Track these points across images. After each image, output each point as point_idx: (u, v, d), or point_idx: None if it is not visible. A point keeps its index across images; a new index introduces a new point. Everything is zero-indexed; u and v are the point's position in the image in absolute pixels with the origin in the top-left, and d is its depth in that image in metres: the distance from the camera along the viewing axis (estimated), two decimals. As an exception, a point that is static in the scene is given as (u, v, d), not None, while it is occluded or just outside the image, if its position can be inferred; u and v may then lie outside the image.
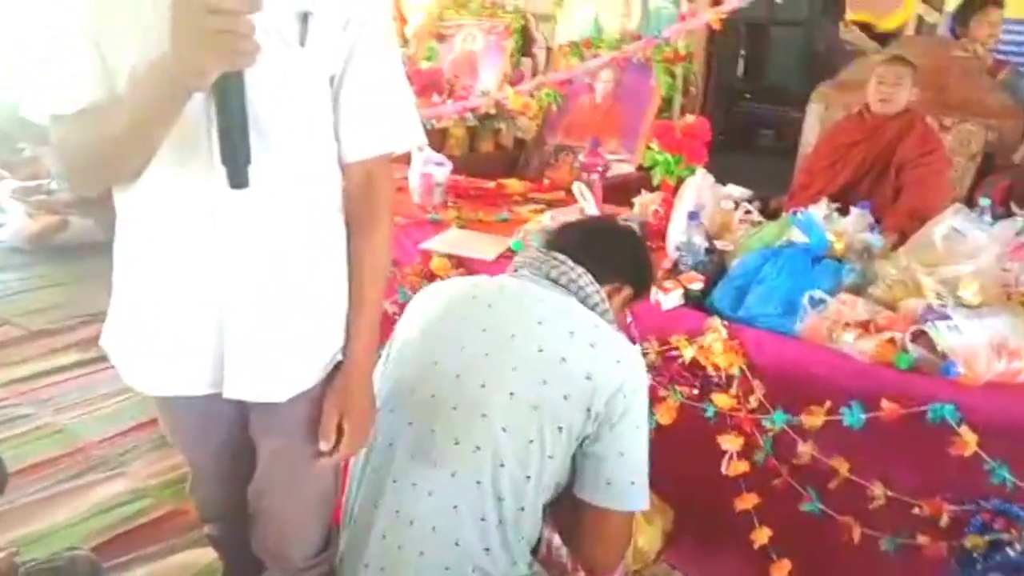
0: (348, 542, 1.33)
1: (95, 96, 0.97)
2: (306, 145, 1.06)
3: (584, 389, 1.23)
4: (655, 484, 1.91)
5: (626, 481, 1.28)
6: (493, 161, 4.23)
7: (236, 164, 0.92)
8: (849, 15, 4.00)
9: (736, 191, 2.80)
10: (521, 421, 1.22)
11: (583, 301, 1.35)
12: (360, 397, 1.17)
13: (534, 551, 1.70)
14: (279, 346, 1.09)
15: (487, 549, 1.22)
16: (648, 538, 1.87)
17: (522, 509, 1.24)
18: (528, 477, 1.23)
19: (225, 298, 1.05)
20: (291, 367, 1.12)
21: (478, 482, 1.22)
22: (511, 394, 1.23)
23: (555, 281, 1.36)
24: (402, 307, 1.56)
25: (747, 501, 1.75)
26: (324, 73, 1.05)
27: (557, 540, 1.72)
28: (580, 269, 1.37)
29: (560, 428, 1.24)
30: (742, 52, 7.70)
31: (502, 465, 1.22)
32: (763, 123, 7.61)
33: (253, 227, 1.04)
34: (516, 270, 1.42)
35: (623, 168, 4.08)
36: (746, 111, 7.77)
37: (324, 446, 1.15)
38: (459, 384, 1.26)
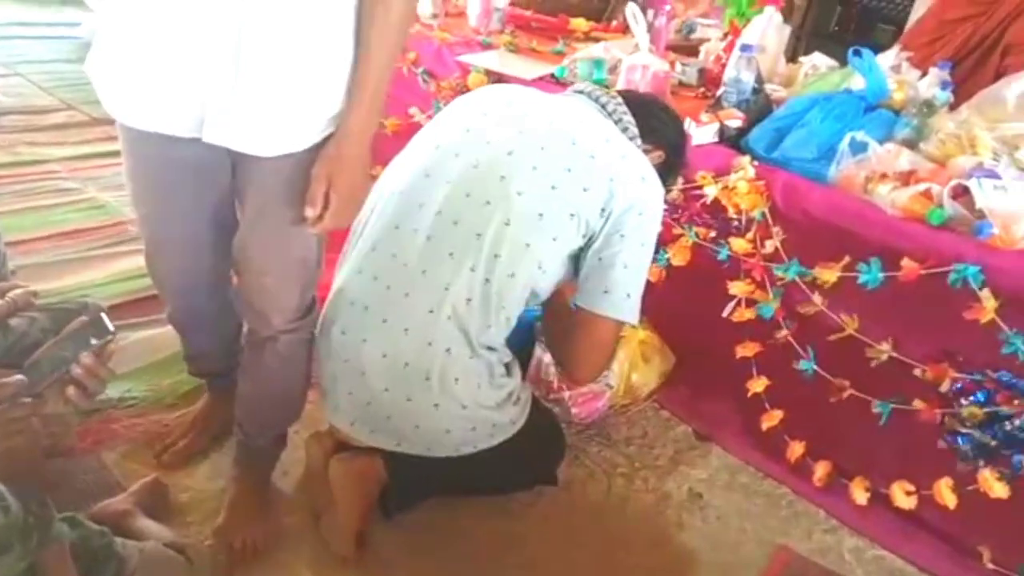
0: (338, 288, 1.35)
1: None
2: None
3: (605, 188, 1.27)
4: (659, 325, 1.91)
5: (623, 292, 1.30)
6: (574, 9, 4.01)
7: None
8: None
9: (820, 60, 2.58)
10: (537, 192, 1.26)
11: (623, 132, 1.40)
12: (351, 168, 1.12)
13: (523, 367, 1.71)
14: (269, 97, 1.05)
15: (469, 299, 1.24)
16: (643, 375, 1.84)
17: (512, 275, 1.25)
18: (528, 245, 1.25)
19: (221, 39, 1.00)
20: (279, 122, 1.08)
21: (478, 234, 1.24)
22: (534, 167, 1.27)
23: (603, 106, 1.41)
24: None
25: (748, 349, 1.70)
26: None
27: (547, 359, 1.73)
28: (627, 110, 1.42)
29: (572, 215, 1.26)
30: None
31: (507, 224, 1.24)
32: (885, 17, 6.98)
33: None
34: (571, 92, 1.47)
35: (710, 33, 3.82)
36: (869, 2, 7.14)
37: (309, 212, 1.12)
38: (488, 147, 1.30)
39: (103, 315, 0.95)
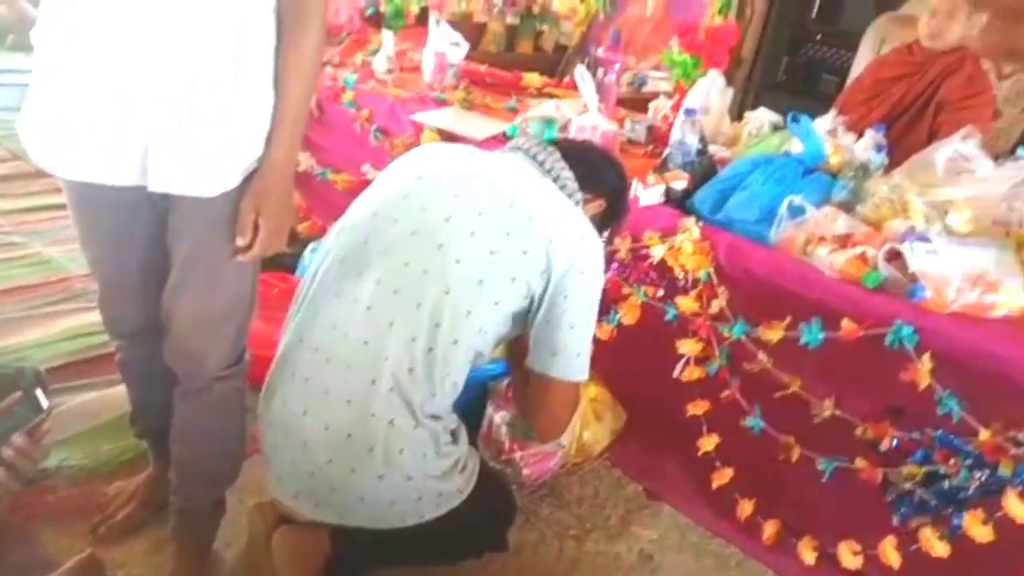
0: (280, 354, 1.35)
1: None
2: None
3: (544, 250, 1.26)
4: (611, 382, 1.92)
5: (572, 353, 1.31)
6: (529, 63, 4.09)
7: None
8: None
9: (764, 115, 2.67)
10: (476, 259, 1.25)
11: (561, 189, 1.39)
12: (277, 198, 1.19)
13: (475, 427, 1.71)
14: (206, 141, 1.12)
15: (411, 369, 1.23)
16: (594, 433, 1.85)
17: (455, 342, 1.24)
18: (469, 312, 1.24)
19: (156, 87, 1.06)
20: (217, 162, 1.14)
21: (419, 304, 1.23)
22: (472, 233, 1.26)
23: (540, 163, 1.40)
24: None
25: (698, 407, 1.72)
26: None
27: (498, 419, 1.72)
28: (565, 164, 1.41)
29: (513, 279, 1.26)
30: (820, -9, 7.28)
31: (447, 292, 1.23)
32: (830, 69, 7.24)
33: (187, 18, 1.04)
34: (509, 150, 1.47)
35: (661, 86, 3.92)
36: (814, 54, 7.40)
37: (240, 241, 1.18)
38: (423, 214, 1.29)
39: (38, 391, 0.93)
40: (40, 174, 3.00)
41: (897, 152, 2.56)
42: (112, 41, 1.04)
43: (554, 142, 1.49)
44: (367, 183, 1.52)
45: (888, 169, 2.08)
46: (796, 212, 1.60)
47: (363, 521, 1.28)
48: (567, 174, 1.40)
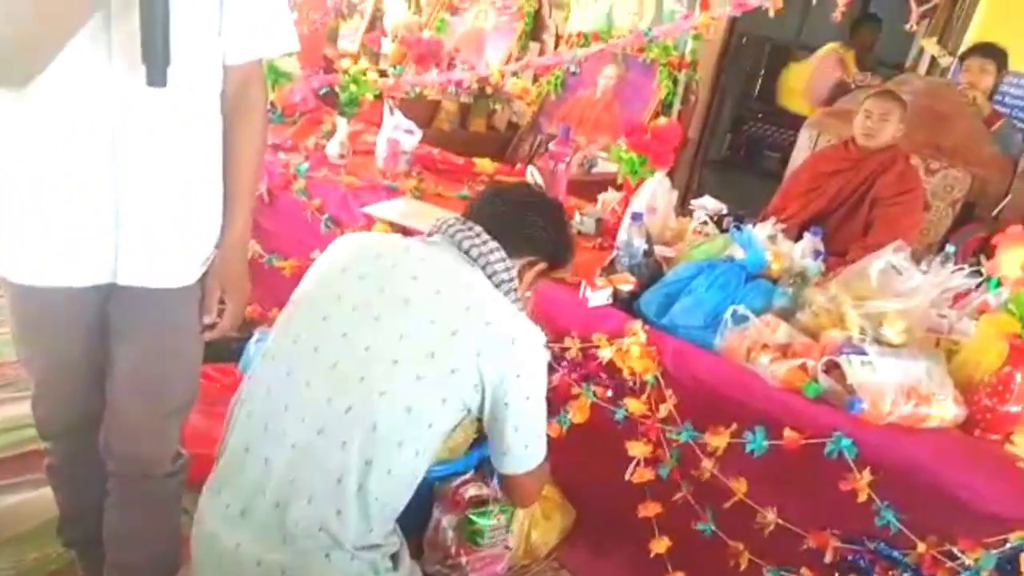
0: (211, 481, 1.28)
1: None
2: (199, 48, 1.14)
3: (473, 365, 1.21)
4: (560, 480, 1.92)
5: (520, 447, 1.30)
6: (482, 141, 4.18)
7: (157, 64, 1.01)
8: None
9: (710, 204, 2.76)
10: (401, 388, 1.19)
11: (490, 277, 1.32)
12: (239, 274, 1.31)
13: (420, 529, 1.67)
14: (172, 234, 1.19)
15: (339, 512, 1.18)
16: (543, 533, 1.84)
17: (389, 472, 1.20)
18: (400, 443, 1.19)
19: (120, 191, 1.12)
20: (183, 254, 1.23)
21: (344, 443, 1.18)
22: (395, 362, 1.20)
23: (466, 252, 1.33)
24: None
25: (649, 509, 1.73)
26: None
27: (444, 522, 1.70)
28: (493, 244, 1.33)
29: (444, 400, 1.21)
30: (761, 72, 7.63)
31: (374, 429, 1.18)
32: (771, 145, 7.55)
33: (150, 124, 1.11)
34: (430, 235, 1.39)
35: (610, 167, 4.03)
36: (755, 132, 7.71)
37: (207, 320, 1.28)
38: (345, 343, 1.23)
39: None
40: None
41: (834, 242, 2.69)
42: (76, 148, 1.08)
43: (478, 203, 1.41)
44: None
45: (827, 260, 2.18)
46: (739, 320, 1.65)
47: None
48: (495, 256, 1.32)
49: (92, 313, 1.22)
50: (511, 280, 1.35)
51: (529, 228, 1.40)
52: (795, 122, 6.84)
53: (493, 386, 1.23)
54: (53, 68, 1.01)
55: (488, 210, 1.39)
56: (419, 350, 1.21)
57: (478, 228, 1.35)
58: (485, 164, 2.89)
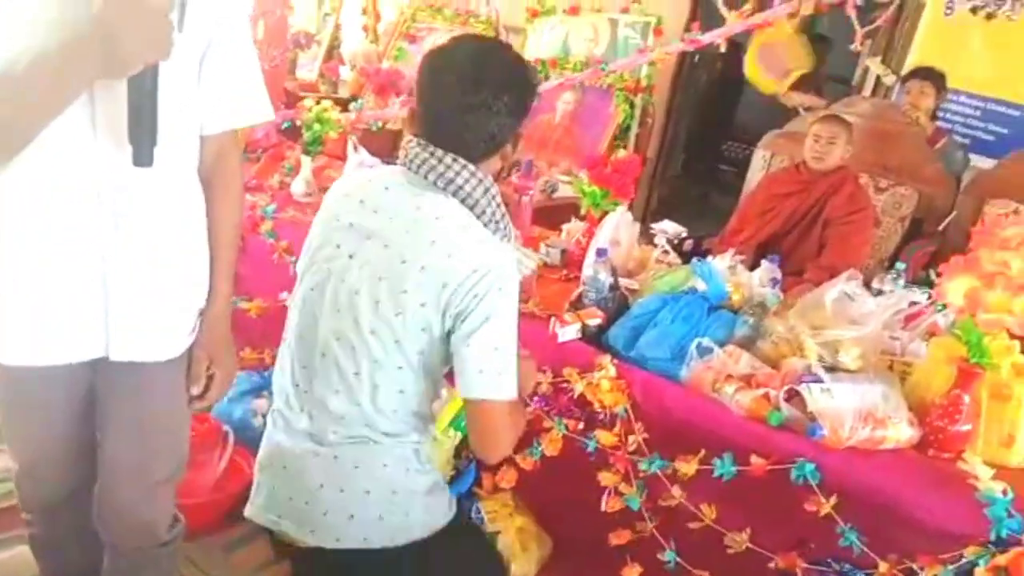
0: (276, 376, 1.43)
1: None
2: (179, 122, 1.15)
3: (440, 297, 1.28)
4: (536, 511, 1.96)
5: (495, 371, 1.31)
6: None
7: (143, 145, 1.01)
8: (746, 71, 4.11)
9: (670, 227, 2.84)
10: (385, 326, 1.30)
11: (463, 201, 1.32)
12: (226, 344, 1.33)
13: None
14: (161, 307, 1.21)
15: (367, 424, 1.35)
16: (521, 565, 1.88)
17: (402, 392, 1.34)
18: (400, 367, 1.32)
19: (108, 266, 1.12)
20: (172, 327, 1.24)
21: (356, 373, 1.32)
22: (376, 303, 1.30)
23: (433, 183, 1.31)
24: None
25: (621, 537, 1.78)
26: (196, 55, 1.15)
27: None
28: (457, 166, 1.30)
29: (423, 329, 1.31)
30: (715, 90, 7.82)
31: (376, 361, 1.31)
32: (726, 160, 7.74)
33: (135, 199, 1.12)
34: (404, 166, 1.36)
35: (572, 192, 4.10)
36: (711, 147, 7.90)
37: (195, 390, 1.29)
38: (343, 287, 1.33)
39: None
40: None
41: (791, 262, 2.80)
42: (62, 222, 1.09)
43: (428, 119, 1.32)
44: (284, 309, 1.57)
45: (785, 280, 2.26)
46: (704, 352, 1.71)
47: (356, 541, 1.35)
48: (462, 178, 1.30)
49: (81, 390, 1.23)
50: (486, 193, 1.33)
51: (485, 124, 1.29)
52: (749, 137, 7.03)
53: (458, 312, 1.28)
54: (36, 144, 1.01)
55: (439, 127, 1.32)
56: (395, 288, 1.29)
57: (439, 152, 1.31)
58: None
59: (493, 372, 1.31)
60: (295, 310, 1.41)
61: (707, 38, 2.62)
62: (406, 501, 1.36)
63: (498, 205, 1.37)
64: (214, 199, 1.26)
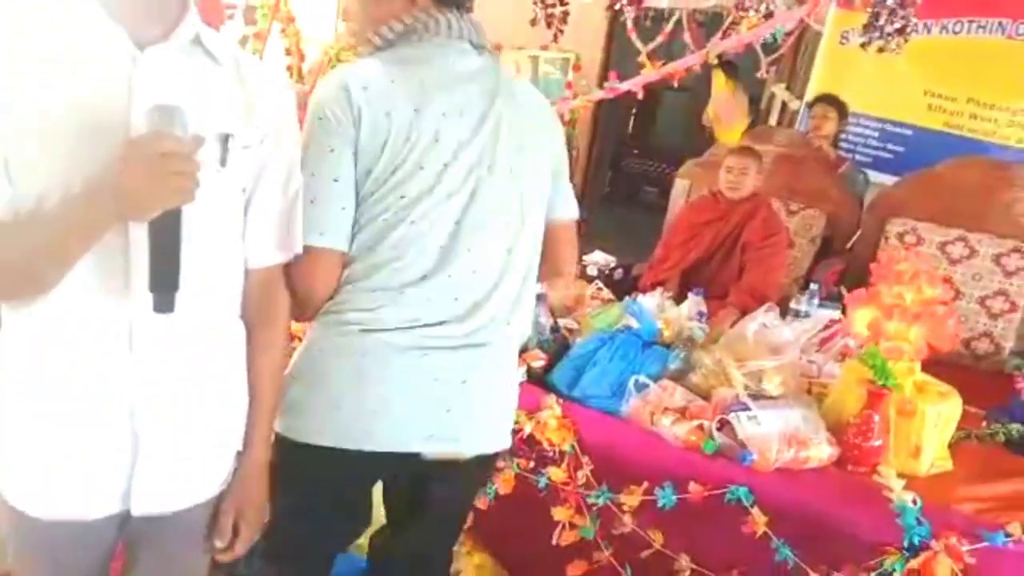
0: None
1: (4, 216, 0.94)
2: (219, 258, 1.08)
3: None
4: (493, 549, 2.05)
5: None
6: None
7: (164, 290, 0.94)
8: (708, 109, 4.34)
9: (600, 258, 2.98)
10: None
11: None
12: (257, 495, 1.20)
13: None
14: (191, 457, 1.11)
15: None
16: (481, 602, 1.96)
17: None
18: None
19: (138, 414, 1.04)
20: (201, 475, 1.14)
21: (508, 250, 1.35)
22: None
23: (481, 47, 1.35)
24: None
25: (577, 568, 1.88)
26: (239, 188, 1.07)
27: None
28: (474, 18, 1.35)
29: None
30: (633, 111, 8.11)
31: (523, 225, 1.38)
32: (648, 180, 8.03)
33: (167, 342, 1.04)
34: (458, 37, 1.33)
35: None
36: (633, 167, 8.19)
37: (219, 544, 1.17)
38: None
39: None
40: None
41: (715, 287, 2.97)
42: (90, 366, 1.01)
43: None
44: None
45: (710, 304, 2.43)
46: (641, 387, 1.84)
47: (489, 441, 1.44)
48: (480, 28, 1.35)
49: (104, 542, 1.14)
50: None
51: None
52: (669, 156, 7.31)
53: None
54: (66, 286, 0.96)
55: None
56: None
57: (466, 15, 1.34)
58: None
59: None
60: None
61: (625, 86, 2.78)
62: (514, 398, 1.51)
63: None
64: (255, 338, 1.16)
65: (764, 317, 1.95)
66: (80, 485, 1.05)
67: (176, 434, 1.08)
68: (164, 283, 0.94)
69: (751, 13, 3.49)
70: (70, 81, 0.94)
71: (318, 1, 5.46)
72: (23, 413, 1.04)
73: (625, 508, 1.78)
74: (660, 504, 1.73)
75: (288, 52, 5.69)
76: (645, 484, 1.77)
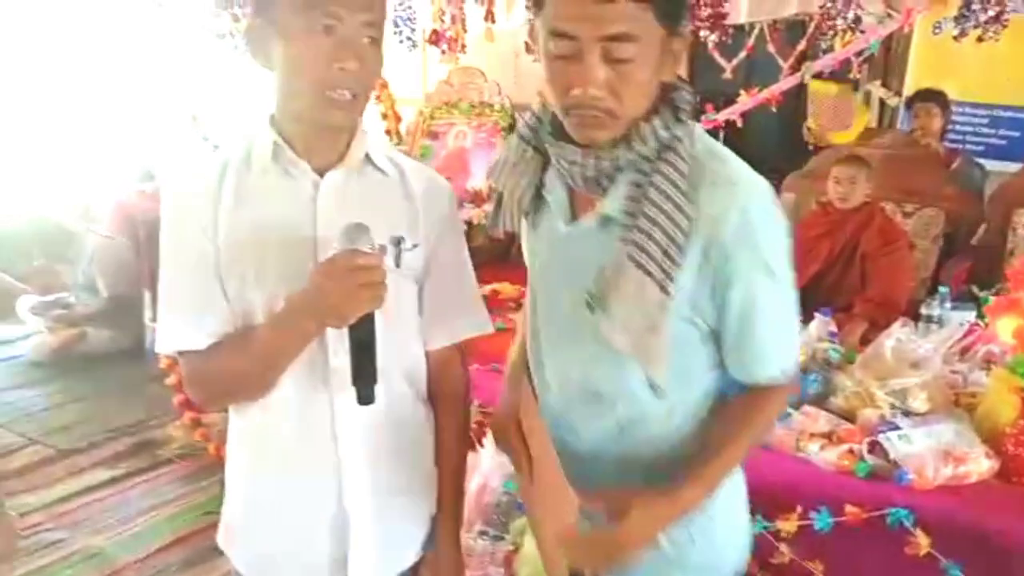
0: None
1: (223, 331, 1.09)
2: (404, 349, 1.19)
3: None
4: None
5: None
6: (483, 253, 4.43)
7: (366, 384, 1.04)
8: (809, 122, 4.29)
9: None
10: None
11: None
12: (451, 559, 1.28)
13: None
14: (395, 532, 1.22)
15: None
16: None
17: None
18: None
19: (346, 497, 1.15)
20: (403, 548, 1.25)
21: None
22: None
23: None
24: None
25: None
26: (413, 281, 1.18)
27: None
28: None
29: None
30: (721, 134, 7.99)
31: None
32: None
33: (368, 430, 1.15)
34: None
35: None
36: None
37: None
38: None
39: None
40: (60, 455, 3.14)
41: (838, 299, 2.93)
42: (299, 461, 1.14)
43: None
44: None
45: (836, 317, 2.41)
46: (783, 417, 1.87)
47: None
48: None
49: None
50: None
51: None
52: (766, 174, 7.12)
53: None
54: (277, 391, 1.10)
55: None
56: None
57: None
58: (507, 289, 3.13)
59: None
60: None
61: (722, 116, 2.83)
62: None
63: None
64: (441, 418, 1.26)
65: (899, 332, 1.94)
66: (300, 560, 1.18)
67: (379, 510, 1.18)
68: (365, 377, 1.05)
69: (838, 21, 3.46)
70: (265, 208, 1.10)
71: (405, 62, 5.75)
72: (250, 494, 1.21)
73: (783, 535, 1.81)
74: (817, 527, 1.75)
75: (384, 116, 6.02)
76: (799, 509, 1.79)
